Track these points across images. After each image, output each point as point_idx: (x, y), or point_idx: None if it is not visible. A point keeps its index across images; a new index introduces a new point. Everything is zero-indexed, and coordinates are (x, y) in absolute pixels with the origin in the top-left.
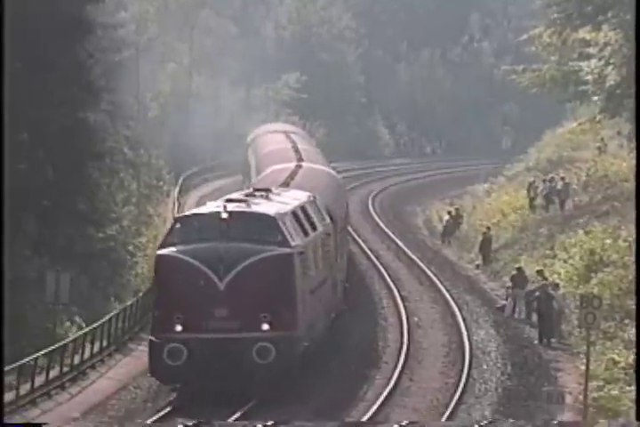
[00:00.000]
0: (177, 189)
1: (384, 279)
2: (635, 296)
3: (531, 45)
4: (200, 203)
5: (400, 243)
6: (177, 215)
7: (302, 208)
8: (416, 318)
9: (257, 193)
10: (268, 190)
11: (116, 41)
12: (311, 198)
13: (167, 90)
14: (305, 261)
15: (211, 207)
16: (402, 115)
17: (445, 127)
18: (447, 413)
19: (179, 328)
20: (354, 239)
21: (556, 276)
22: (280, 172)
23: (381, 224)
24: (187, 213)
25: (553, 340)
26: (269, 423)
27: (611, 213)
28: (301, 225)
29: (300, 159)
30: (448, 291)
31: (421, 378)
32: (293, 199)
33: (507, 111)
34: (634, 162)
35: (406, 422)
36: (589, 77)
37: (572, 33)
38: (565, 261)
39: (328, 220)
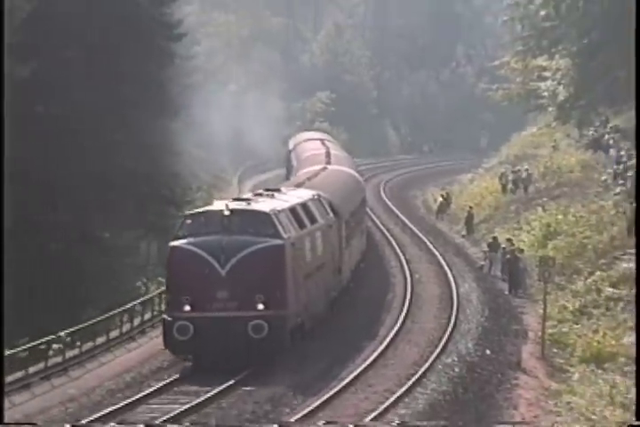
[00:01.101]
0: (236, 178)
1: (392, 246)
2: (635, 292)
3: (502, 70)
4: (253, 189)
5: (404, 218)
6: (186, 213)
7: (303, 205)
8: (417, 275)
9: (266, 193)
10: (277, 190)
11: (190, 68)
12: (315, 196)
13: (228, 104)
14: (298, 249)
15: (216, 206)
16: (405, 121)
17: (438, 131)
18: (440, 345)
19: (187, 308)
20: (370, 217)
21: (521, 243)
22: (307, 173)
23: (390, 204)
24: (194, 211)
25: (519, 291)
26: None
27: (561, 195)
28: (298, 219)
29: (328, 163)
30: (441, 255)
31: (421, 320)
32: (296, 198)
33: (484, 119)
34: (579, 157)
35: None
36: (545, 94)
37: (532, 61)
38: (528, 232)
39: (331, 214)
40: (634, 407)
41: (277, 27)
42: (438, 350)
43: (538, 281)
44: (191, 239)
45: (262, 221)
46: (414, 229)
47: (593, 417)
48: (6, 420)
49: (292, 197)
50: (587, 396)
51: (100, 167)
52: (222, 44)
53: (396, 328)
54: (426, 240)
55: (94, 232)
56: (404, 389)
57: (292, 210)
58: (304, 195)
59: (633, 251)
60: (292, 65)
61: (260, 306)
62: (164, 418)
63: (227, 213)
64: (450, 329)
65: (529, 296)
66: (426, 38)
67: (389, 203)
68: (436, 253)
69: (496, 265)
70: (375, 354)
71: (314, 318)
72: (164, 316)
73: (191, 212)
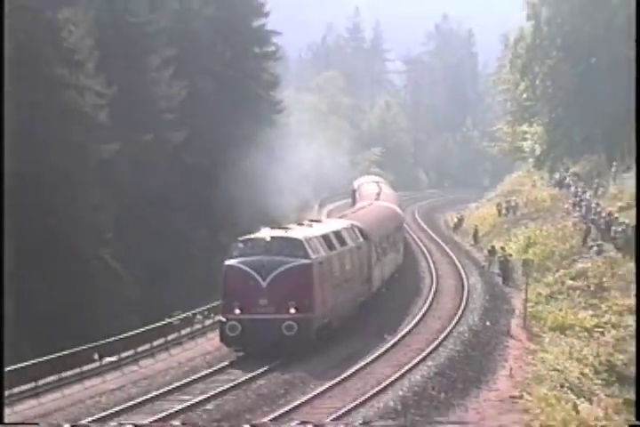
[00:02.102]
0: (317, 205)
1: (422, 252)
2: (635, 292)
3: (497, 133)
4: (329, 212)
5: (431, 233)
6: (238, 238)
7: (335, 232)
8: (440, 272)
9: (308, 223)
10: (318, 221)
11: (286, 132)
12: (349, 225)
13: (311, 156)
14: (325, 266)
15: (262, 233)
16: (431, 168)
17: (454, 174)
18: (455, 318)
19: (237, 311)
20: (407, 231)
21: (510, 249)
22: (357, 207)
23: (421, 222)
24: (244, 237)
25: (509, 282)
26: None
27: (538, 218)
28: (329, 243)
29: (377, 199)
30: (456, 257)
31: (442, 302)
32: (331, 226)
33: (486, 166)
34: (549, 192)
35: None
36: (527, 150)
37: (517, 127)
38: (515, 242)
39: (361, 239)
40: (590, 362)
41: (345, 104)
42: (454, 322)
43: (522, 276)
44: (241, 259)
45: (295, 246)
46: (438, 239)
47: (557, 367)
48: (7, 420)
49: (328, 226)
50: (554, 353)
51: (228, 194)
52: (308, 115)
53: (425, 308)
54: (445, 247)
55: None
56: (430, 348)
57: (324, 236)
58: (340, 224)
59: (587, 255)
60: (355, 130)
61: (292, 310)
62: (207, 396)
63: (268, 239)
64: (462, 308)
65: (515, 286)
66: (446, 112)
67: (420, 221)
68: (453, 256)
69: (494, 265)
70: (410, 325)
71: (341, 317)
72: (220, 317)
73: (242, 238)
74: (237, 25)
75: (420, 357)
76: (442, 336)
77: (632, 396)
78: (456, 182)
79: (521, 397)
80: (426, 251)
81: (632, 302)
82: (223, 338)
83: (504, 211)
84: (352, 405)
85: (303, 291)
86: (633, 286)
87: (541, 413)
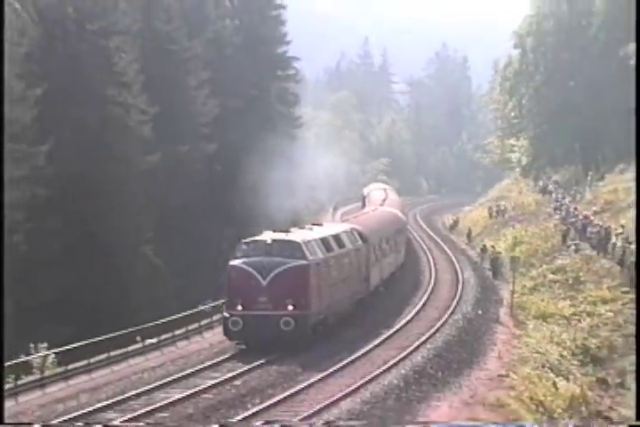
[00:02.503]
0: (331, 208)
1: (423, 249)
2: (635, 291)
3: (489, 146)
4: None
5: (430, 232)
6: (242, 240)
7: (334, 235)
8: (438, 267)
9: (309, 226)
10: (320, 224)
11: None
12: (348, 229)
13: (327, 165)
14: (322, 267)
15: (264, 236)
16: (431, 176)
17: (451, 181)
18: (451, 308)
19: (239, 308)
20: (410, 232)
21: (500, 248)
22: (362, 213)
23: (422, 223)
24: (247, 239)
25: (498, 276)
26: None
27: (524, 220)
28: (327, 245)
29: (381, 205)
30: (452, 254)
31: (440, 294)
32: (331, 230)
33: (478, 174)
34: (534, 198)
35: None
36: (514, 161)
37: (506, 141)
38: (504, 241)
39: (360, 241)
40: (568, 345)
41: (356, 120)
42: (449, 311)
43: (509, 271)
44: (244, 260)
45: (294, 248)
46: (436, 238)
47: (540, 350)
48: (6, 420)
49: (327, 229)
50: (537, 338)
51: (252, 199)
52: (324, 130)
53: (424, 298)
54: (443, 245)
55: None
56: (429, 333)
57: (323, 239)
58: (340, 228)
59: (565, 253)
60: (365, 142)
61: (290, 307)
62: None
63: (269, 241)
64: (457, 299)
65: (504, 279)
66: (444, 127)
67: (421, 222)
68: (449, 253)
69: (485, 261)
70: (411, 314)
71: (337, 314)
72: (224, 313)
73: (245, 240)
74: (263, 51)
75: (420, 341)
76: (439, 323)
77: (604, 375)
78: (452, 189)
79: (507, 376)
80: (426, 248)
81: (604, 293)
82: (226, 332)
83: (494, 214)
84: (361, 382)
85: (300, 289)
86: (605, 280)
87: (525, 389)
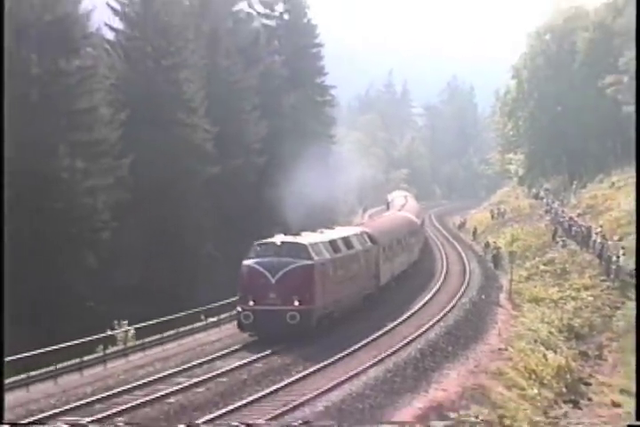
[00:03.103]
0: (361, 210)
1: (437, 245)
2: (635, 294)
3: (491, 159)
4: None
5: (443, 231)
6: (256, 242)
7: (344, 237)
8: (449, 259)
9: (320, 230)
10: (331, 228)
11: (340, 160)
12: (359, 232)
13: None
14: (328, 266)
15: (275, 238)
16: (444, 184)
17: (459, 188)
18: (459, 293)
19: (251, 303)
20: (426, 230)
21: (500, 243)
22: (379, 216)
23: (436, 224)
24: (260, 241)
25: (499, 267)
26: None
27: (520, 221)
28: (335, 247)
29: (399, 210)
30: (461, 249)
31: (450, 282)
32: (340, 233)
33: (482, 183)
34: (528, 202)
35: (301, 421)
36: (512, 172)
37: (506, 155)
38: (503, 238)
39: (369, 243)
40: (555, 324)
41: (382, 137)
42: (458, 295)
43: (508, 262)
44: (256, 260)
45: (301, 249)
46: (448, 235)
47: (532, 328)
48: (8, 419)
49: (337, 233)
50: (530, 318)
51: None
52: (354, 146)
53: (437, 285)
54: (453, 241)
55: None
56: (440, 314)
57: (331, 241)
58: (350, 231)
59: (554, 248)
60: (389, 156)
61: (296, 303)
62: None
63: (279, 243)
64: (465, 286)
65: (503, 270)
66: (454, 144)
67: (435, 222)
68: (458, 248)
69: (488, 255)
70: (426, 298)
71: (345, 308)
72: (237, 307)
73: (258, 242)
74: (305, 81)
75: (434, 320)
76: (449, 306)
77: (585, 348)
78: (461, 195)
79: (506, 349)
80: (439, 244)
81: (586, 281)
82: (239, 325)
83: (495, 215)
84: (385, 354)
85: (305, 286)
86: (587, 270)
87: (520, 360)
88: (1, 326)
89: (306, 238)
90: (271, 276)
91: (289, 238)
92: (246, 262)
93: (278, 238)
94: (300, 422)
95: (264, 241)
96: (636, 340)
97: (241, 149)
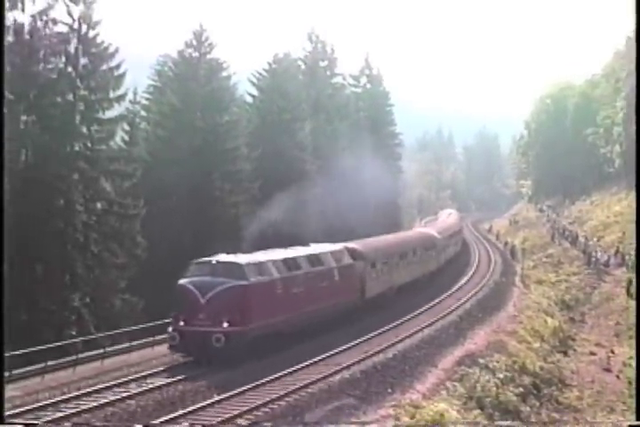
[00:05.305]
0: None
1: (471, 243)
2: (635, 293)
3: (509, 184)
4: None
5: (476, 233)
6: (193, 261)
7: (309, 255)
8: (480, 254)
9: (292, 247)
10: (306, 245)
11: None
12: (337, 248)
13: (416, 194)
14: (274, 286)
15: (214, 257)
16: (476, 201)
17: (487, 204)
18: (487, 277)
19: (181, 323)
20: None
21: (515, 242)
22: (404, 232)
23: (471, 228)
24: (196, 260)
25: (515, 259)
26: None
27: (529, 227)
28: (290, 265)
29: (426, 227)
30: (489, 246)
31: (480, 270)
32: (307, 250)
33: (503, 200)
34: (535, 214)
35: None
36: (524, 192)
37: (520, 181)
38: (517, 239)
39: (349, 259)
40: (553, 299)
41: (433, 168)
42: (485, 279)
43: (521, 256)
44: (190, 279)
45: (235, 269)
46: (480, 237)
47: (537, 301)
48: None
49: (303, 250)
50: (535, 294)
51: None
52: (414, 175)
53: (471, 272)
54: (483, 240)
55: None
56: (472, 292)
57: (285, 260)
58: (325, 248)
59: (553, 246)
60: (438, 182)
61: (225, 324)
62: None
63: (214, 262)
64: (490, 271)
65: (517, 261)
66: (483, 173)
67: (471, 228)
68: (487, 246)
69: (507, 250)
70: (463, 281)
71: (309, 322)
72: (168, 328)
73: (195, 261)
74: (381, 130)
75: (470, 294)
76: (479, 287)
77: (572, 315)
78: (488, 209)
79: (518, 316)
80: (473, 242)
81: (574, 269)
82: (169, 345)
83: (512, 223)
84: (434, 318)
85: (236, 308)
86: (575, 262)
87: (528, 324)
88: (1, 326)
89: (246, 258)
90: (201, 296)
91: (226, 258)
92: (181, 282)
93: (216, 257)
94: (299, 422)
95: (201, 260)
96: (636, 340)
97: (337, 172)
